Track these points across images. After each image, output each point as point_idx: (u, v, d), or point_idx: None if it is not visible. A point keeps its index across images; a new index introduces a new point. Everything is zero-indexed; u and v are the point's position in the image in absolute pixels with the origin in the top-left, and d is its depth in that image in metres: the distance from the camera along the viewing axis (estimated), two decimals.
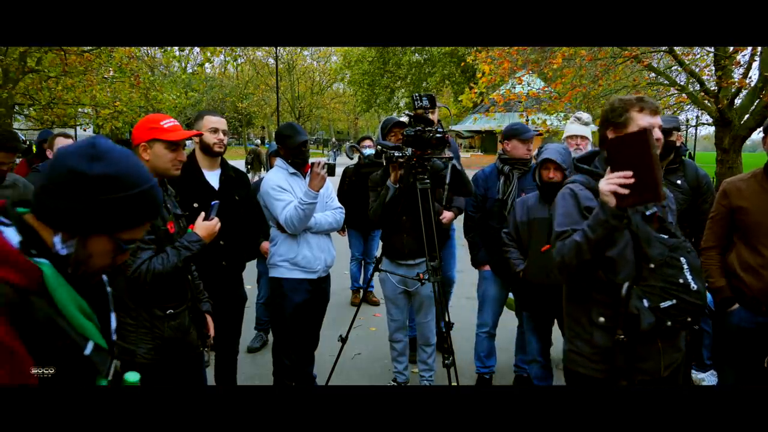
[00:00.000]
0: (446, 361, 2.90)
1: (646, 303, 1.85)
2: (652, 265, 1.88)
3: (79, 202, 1.07)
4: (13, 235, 1.08)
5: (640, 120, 1.92)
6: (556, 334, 3.37)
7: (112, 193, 1.09)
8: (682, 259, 1.90)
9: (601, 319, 1.95)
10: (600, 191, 1.80)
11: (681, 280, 1.87)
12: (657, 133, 1.93)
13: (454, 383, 2.93)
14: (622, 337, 1.87)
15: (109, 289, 1.33)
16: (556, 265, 1.98)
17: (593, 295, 1.98)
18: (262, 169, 15.79)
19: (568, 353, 2.10)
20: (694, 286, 1.87)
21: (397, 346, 3.61)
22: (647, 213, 1.96)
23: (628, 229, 1.91)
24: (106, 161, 1.09)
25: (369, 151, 5.09)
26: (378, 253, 3.51)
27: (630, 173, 1.74)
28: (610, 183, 1.76)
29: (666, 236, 1.95)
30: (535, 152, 3.54)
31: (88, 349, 1.13)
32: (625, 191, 1.73)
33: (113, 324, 1.31)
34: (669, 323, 1.86)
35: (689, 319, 1.90)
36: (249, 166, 16.11)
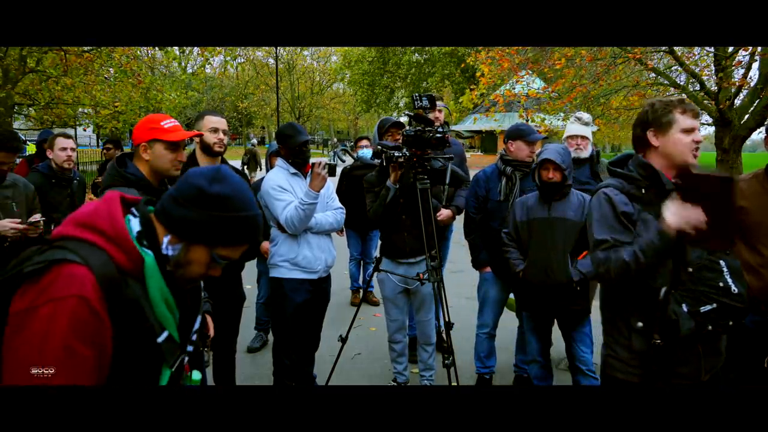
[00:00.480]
0: (446, 361, 2.90)
1: (685, 308, 1.83)
2: (691, 269, 1.85)
3: (194, 213, 1.24)
4: (135, 225, 1.29)
5: (684, 122, 1.90)
6: (556, 334, 3.37)
7: (222, 211, 1.25)
8: (722, 262, 1.87)
9: (640, 324, 1.93)
10: (665, 220, 1.75)
11: (721, 284, 1.84)
12: (698, 135, 1.91)
13: (454, 383, 2.93)
14: (659, 341, 1.85)
15: (204, 293, 1.49)
16: (595, 272, 1.97)
17: (632, 300, 1.96)
18: (258, 169, 15.80)
19: (606, 358, 2.08)
20: (735, 288, 1.84)
21: (397, 347, 3.61)
22: None
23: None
24: (224, 184, 1.26)
25: (366, 152, 5.09)
26: (377, 253, 3.51)
27: (705, 219, 1.66)
28: (681, 220, 1.71)
29: None
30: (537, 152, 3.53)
31: (162, 337, 1.29)
32: (692, 231, 1.69)
33: (197, 325, 1.45)
34: (710, 327, 1.84)
35: (731, 323, 1.87)
36: (245, 166, 16.11)
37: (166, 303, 1.29)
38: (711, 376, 1.98)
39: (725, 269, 1.86)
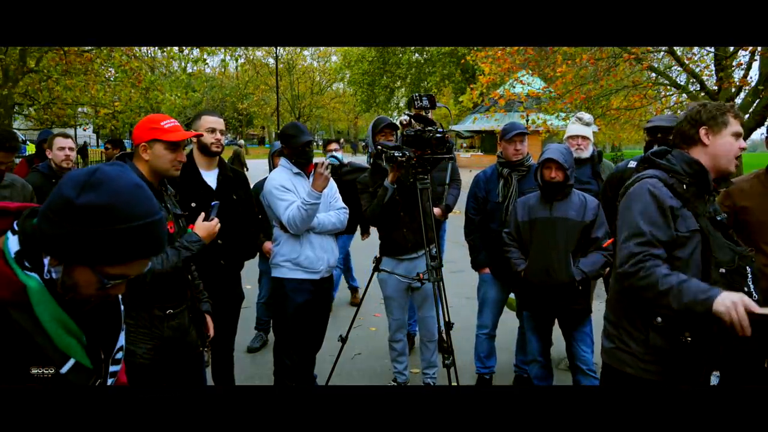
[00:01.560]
0: (446, 361, 2.91)
1: None
2: (723, 270, 1.87)
3: (63, 229, 1.02)
4: (14, 244, 1.08)
5: (735, 126, 1.94)
6: (557, 333, 3.37)
7: (95, 225, 1.02)
8: (748, 268, 1.90)
9: (659, 319, 1.92)
10: (720, 304, 1.72)
11: (746, 289, 1.86)
12: (744, 143, 1.96)
13: (454, 383, 2.93)
14: (689, 338, 1.86)
15: (122, 306, 1.32)
16: (620, 269, 1.93)
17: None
18: (243, 170, 15.79)
19: (614, 352, 2.07)
20: (756, 295, 1.85)
21: (397, 346, 3.61)
22: (718, 218, 1.95)
23: (701, 232, 1.90)
24: (99, 191, 1.03)
25: (337, 156, 4.97)
26: (377, 253, 3.51)
27: (750, 333, 1.69)
28: (737, 316, 1.69)
29: (731, 243, 1.94)
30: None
31: (65, 367, 1.12)
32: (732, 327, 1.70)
33: (120, 342, 1.29)
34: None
35: None
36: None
37: (66, 328, 1.11)
38: (704, 376, 2.00)
39: (750, 275, 1.88)
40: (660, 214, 1.91)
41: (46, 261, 1.08)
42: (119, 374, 1.43)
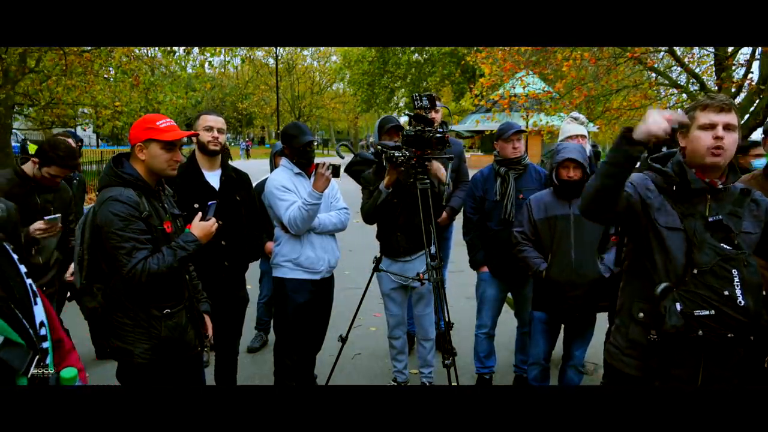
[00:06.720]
0: (446, 362, 2.90)
1: (678, 306, 1.82)
2: (695, 271, 1.84)
3: None
4: None
5: (702, 118, 1.88)
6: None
7: None
8: (734, 272, 1.81)
9: (641, 314, 1.96)
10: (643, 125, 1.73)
11: (726, 292, 1.80)
12: (720, 131, 1.85)
13: (454, 383, 2.93)
14: (655, 336, 1.89)
15: (29, 281, 1.32)
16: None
17: (641, 291, 1.99)
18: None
19: (607, 346, 2.13)
20: (741, 301, 1.79)
21: (396, 343, 3.61)
22: (710, 219, 1.90)
23: (684, 233, 1.90)
24: None
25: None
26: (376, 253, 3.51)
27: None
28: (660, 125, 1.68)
29: (728, 246, 1.86)
30: (551, 150, 3.50)
31: None
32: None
33: (38, 317, 1.28)
34: (700, 332, 1.81)
35: (730, 335, 1.82)
36: None
37: None
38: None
39: (737, 279, 1.81)
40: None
41: None
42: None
